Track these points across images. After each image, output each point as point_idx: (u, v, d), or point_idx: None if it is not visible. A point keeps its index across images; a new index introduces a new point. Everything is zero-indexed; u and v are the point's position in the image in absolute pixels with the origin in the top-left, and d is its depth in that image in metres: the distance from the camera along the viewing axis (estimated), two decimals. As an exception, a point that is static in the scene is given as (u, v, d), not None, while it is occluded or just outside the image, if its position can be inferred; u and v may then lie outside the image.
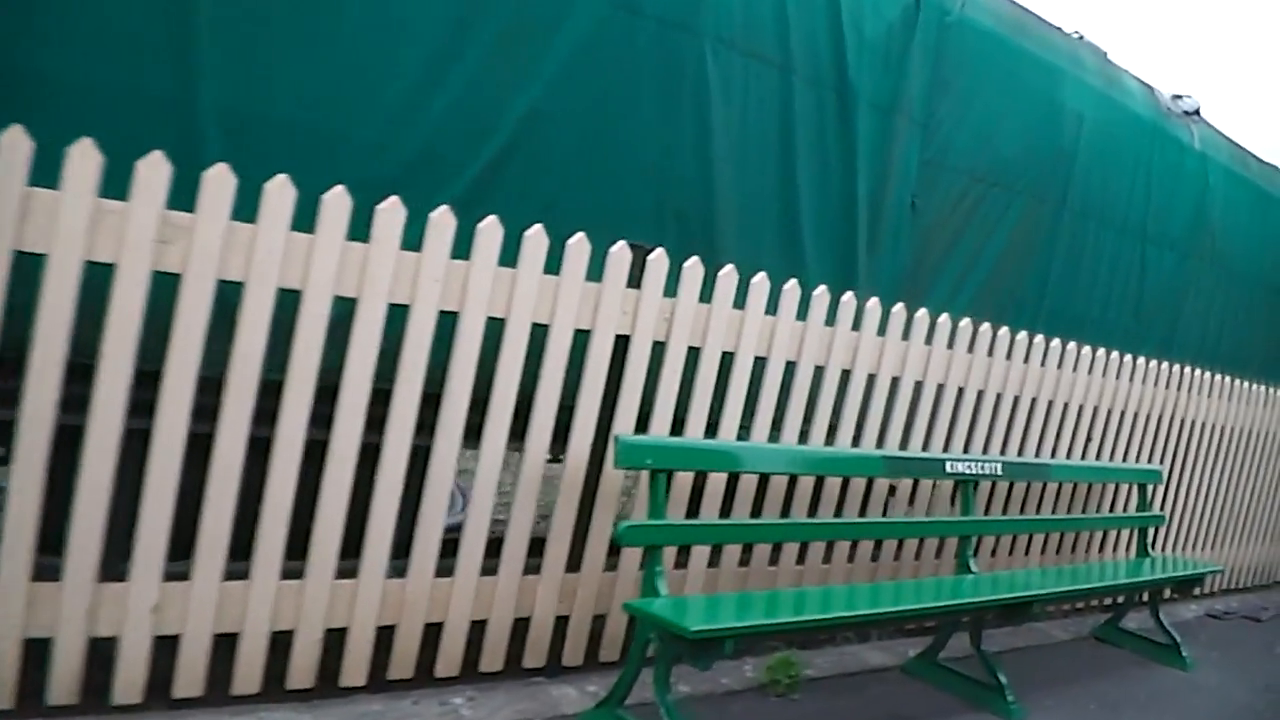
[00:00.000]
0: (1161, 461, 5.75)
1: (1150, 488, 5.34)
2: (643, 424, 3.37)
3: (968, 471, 4.03)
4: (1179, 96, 6.52)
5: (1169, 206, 6.33)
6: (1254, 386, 6.52)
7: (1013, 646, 4.72)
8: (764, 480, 3.82)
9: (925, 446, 4.31)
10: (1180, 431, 5.90)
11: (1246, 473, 6.69)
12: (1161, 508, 5.86)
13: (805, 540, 3.82)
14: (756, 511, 3.82)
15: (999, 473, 4.18)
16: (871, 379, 4.09)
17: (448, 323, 2.90)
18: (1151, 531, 5.41)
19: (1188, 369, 5.84)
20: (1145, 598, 5.17)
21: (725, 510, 3.70)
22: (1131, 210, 6.08)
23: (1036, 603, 3.80)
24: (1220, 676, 4.78)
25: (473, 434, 3.05)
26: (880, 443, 4.19)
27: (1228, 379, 6.29)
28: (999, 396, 4.60)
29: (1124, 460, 5.41)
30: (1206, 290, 6.81)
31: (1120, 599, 5.17)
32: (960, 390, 4.40)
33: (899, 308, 4.17)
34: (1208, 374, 6.03)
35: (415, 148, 3.28)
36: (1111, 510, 5.40)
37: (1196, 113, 6.56)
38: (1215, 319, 6.97)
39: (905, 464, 3.84)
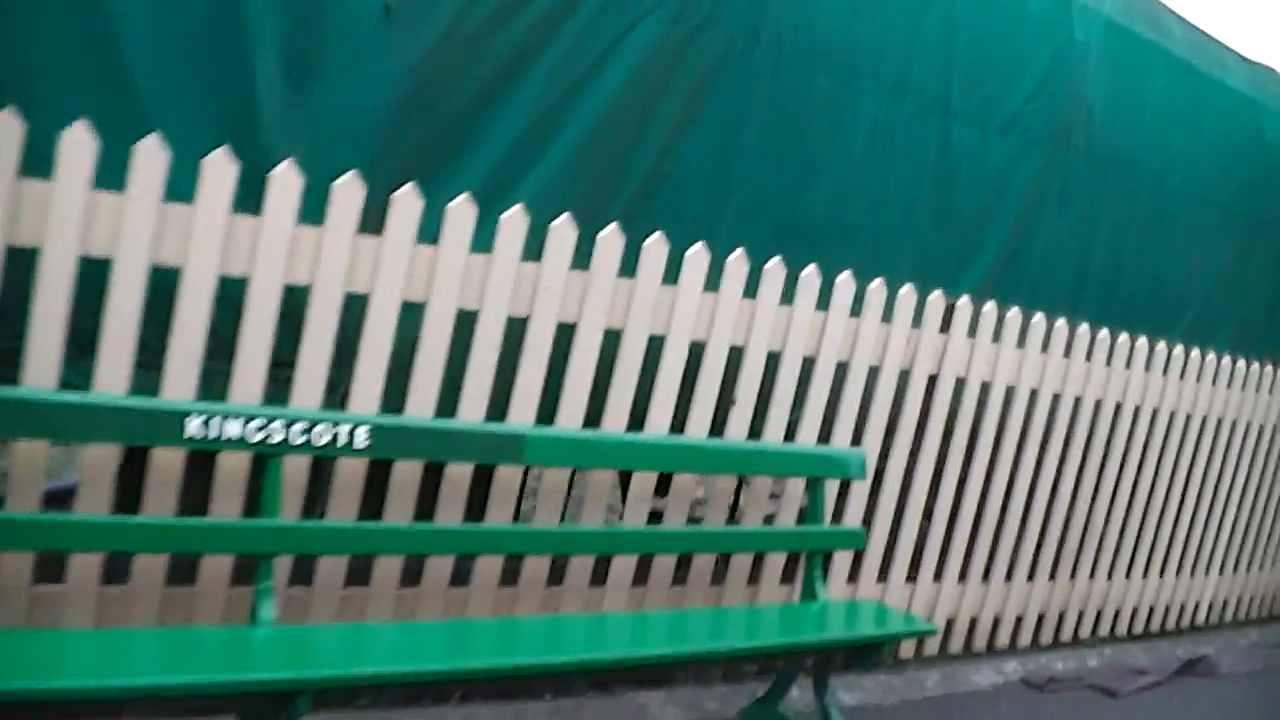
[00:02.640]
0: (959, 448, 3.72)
1: (831, 485, 3.31)
2: None
3: (251, 439, 2.15)
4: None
5: (994, 69, 4.22)
6: (1138, 341, 4.37)
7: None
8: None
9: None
10: (975, 399, 3.86)
11: (1125, 469, 4.53)
12: (933, 514, 3.82)
13: None
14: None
15: (359, 445, 2.28)
16: (302, 293, 2.44)
17: None
18: (835, 559, 3.38)
19: (990, 305, 3.78)
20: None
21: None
22: (915, 68, 4.00)
23: (302, 694, 1.95)
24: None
25: None
26: (345, 400, 2.51)
27: (1122, 334, 4.23)
28: (504, 321, 2.72)
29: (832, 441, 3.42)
30: (1082, 202, 4.64)
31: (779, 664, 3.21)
32: (472, 315, 2.57)
33: (347, 178, 2.43)
34: (1043, 319, 3.97)
35: None
36: (804, 522, 3.39)
37: (1054, -66, 4.41)
38: (1104, 246, 4.79)
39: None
